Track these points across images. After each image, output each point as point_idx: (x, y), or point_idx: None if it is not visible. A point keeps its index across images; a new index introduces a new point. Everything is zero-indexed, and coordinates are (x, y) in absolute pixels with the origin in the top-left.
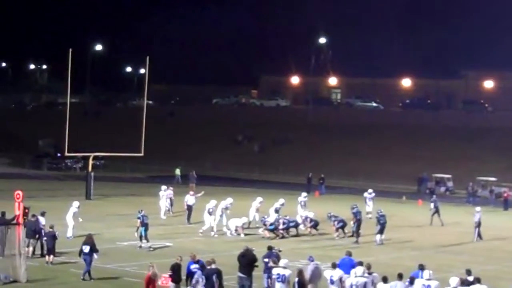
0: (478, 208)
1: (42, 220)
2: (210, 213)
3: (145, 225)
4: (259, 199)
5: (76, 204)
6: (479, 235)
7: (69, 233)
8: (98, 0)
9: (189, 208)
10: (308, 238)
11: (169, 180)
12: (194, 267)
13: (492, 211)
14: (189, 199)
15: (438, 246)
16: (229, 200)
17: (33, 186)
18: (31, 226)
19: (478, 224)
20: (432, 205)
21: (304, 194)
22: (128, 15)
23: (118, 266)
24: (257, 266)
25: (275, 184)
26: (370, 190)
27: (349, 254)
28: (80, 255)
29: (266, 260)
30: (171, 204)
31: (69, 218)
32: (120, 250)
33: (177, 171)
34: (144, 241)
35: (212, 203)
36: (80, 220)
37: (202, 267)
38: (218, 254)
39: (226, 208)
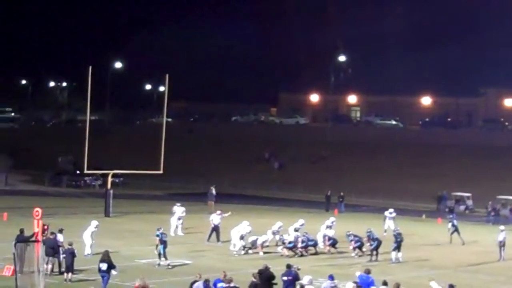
0: (502, 227)
1: (60, 237)
2: (242, 238)
3: (163, 242)
4: (279, 224)
5: (94, 223)
6: (500, 255)
7: (87, 250)
8: (118, 18)
9: (215, 227)
10: (326, 256)
11: (188, 197)
12: (220, 285)
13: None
14: (215, 218)
15: (458, 265)
16: (247, 228)
17: (52, 203)
18: (50, 244)
19: (503, 244)
20: (449, 224)
21: (332, 219)
22: (147, 33)
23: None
24: (275, 284)
25: (294, 202)
26: (391, 210)
27: (368, 271)
28: (99, 272)
29: (285, 278)
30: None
31: (87, 236)
32: (138, 268)
33: (213, 190)
34: (162, 259)
35: (245, 228)
36: (91, 241)
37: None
38: (236, 272)
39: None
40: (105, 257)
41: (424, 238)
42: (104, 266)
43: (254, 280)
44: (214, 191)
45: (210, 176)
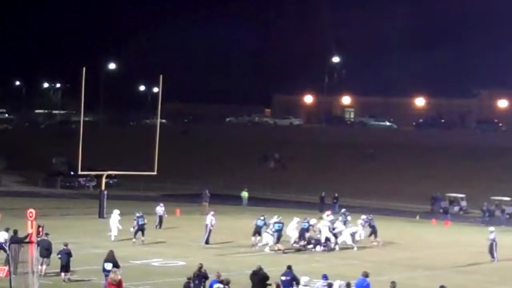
0: (491, 228)
1: (4, 234)
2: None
3: (140, 225)
4: (315, 220)
5: (117, 211)
6: (492, 255)
7: (113, 236)
8: (111, 19)
9: (210, 230)
10: (319, 258)
11: (183, 198)
12: (217, 286)
13: (504, 230)
14: (209, 219)
15: (452, 266)
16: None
17: (46, 204)
18: (45, 245)
19: (495, 244)
20: (364, 223)
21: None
22: (141, 34)
23: (131, 285)
24: (269, 285)
25: (289, 203)
26: (328, 212)
27: (366, 275)
28: (104, 271)
29: (283, 278)
30: (160, 221)
31: (114, 224)
32: (133, 269)
33: (244, 194)
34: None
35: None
36: (120, 227)
37: None
38: (231, 273)
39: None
40: (110, 257)
41: (418, 239)
42: (109, 266)
43: (188, 280)
44: (208, 192)
45: (204, 177)
